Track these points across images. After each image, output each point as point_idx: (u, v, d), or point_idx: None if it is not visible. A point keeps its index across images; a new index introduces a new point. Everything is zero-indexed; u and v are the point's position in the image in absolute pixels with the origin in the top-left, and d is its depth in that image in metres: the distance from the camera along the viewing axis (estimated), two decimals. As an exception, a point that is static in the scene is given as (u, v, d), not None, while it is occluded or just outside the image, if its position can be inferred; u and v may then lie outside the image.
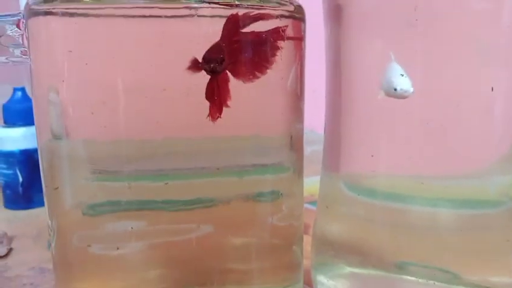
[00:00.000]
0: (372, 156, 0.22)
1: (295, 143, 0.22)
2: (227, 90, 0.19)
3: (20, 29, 0.20)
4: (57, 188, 0.19)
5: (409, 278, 0.21)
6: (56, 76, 0.18)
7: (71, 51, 0.18)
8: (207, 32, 0.18)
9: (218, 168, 0.20)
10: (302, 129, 0.22)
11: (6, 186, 0.46)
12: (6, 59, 0.21)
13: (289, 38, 0.20)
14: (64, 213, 0.20)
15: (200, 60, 0.18)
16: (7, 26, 0.21)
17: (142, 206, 0.19)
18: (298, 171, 0.22)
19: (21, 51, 0.21)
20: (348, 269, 0.24)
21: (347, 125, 0.23)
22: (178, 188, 0.20)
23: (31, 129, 0.42)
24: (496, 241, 0.21)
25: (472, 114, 0.20)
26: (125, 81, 0.18)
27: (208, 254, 0.20)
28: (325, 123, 0.24)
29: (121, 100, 0.18)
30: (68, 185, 0.19)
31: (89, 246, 0.20)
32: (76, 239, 0.20)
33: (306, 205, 0.44)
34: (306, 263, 0.25)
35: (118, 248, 0.19)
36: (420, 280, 0.21)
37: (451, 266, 0.21)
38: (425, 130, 0.20)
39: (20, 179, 0.45)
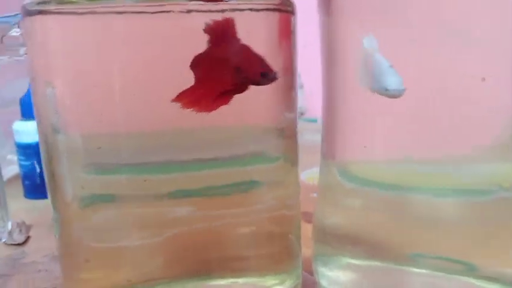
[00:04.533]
0: (364, 146, 0.22)
1: (286, 132, 0.22)
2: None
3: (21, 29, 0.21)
4: (57, 181, 0.20)
5: (413, 269, 0.21)
6: (51, 72, 0.19)
7: (64, 48, 0.18)
8: (196, 26, 0.18)
9: (212, 159, 0.20)
10: (294, 119, 0.22)
11: (25, 177, 0.48)
12: (10, 57, 0.22)
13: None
14: (64, 204, 0.20)
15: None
16: (10, 26, 0.21)
17: (137, 197, 0.20)
18: (291, 161, 0.23)
19: (24, 51, 0.22)
20: (349, 261, 0.23)
21: (340, 112, 0.23)
22: (173, 179, 0.20)
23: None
24: (492, 230, 0.21)
25: (462, 103, 0.19)
26: (119, 75, 0.18)
27: (205, 243, 0.21)
28: (322, 111, 0.24)
29: (114, 94, 0.19)
30: (67, 177, 0.20)
31: (89, 236, 0.20)
32: (77, 229, 0.21)
33: (314, 194, 0.44)
34: (307, 251, 0.25)
35: (117, 239, 0.20)
36: (425, 271, 0.21)
37: (455, 256, 0.20)
38: (415, 119, 0.20)
39: (38, 170, 0.47)
